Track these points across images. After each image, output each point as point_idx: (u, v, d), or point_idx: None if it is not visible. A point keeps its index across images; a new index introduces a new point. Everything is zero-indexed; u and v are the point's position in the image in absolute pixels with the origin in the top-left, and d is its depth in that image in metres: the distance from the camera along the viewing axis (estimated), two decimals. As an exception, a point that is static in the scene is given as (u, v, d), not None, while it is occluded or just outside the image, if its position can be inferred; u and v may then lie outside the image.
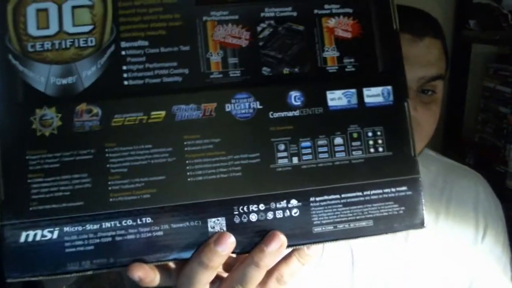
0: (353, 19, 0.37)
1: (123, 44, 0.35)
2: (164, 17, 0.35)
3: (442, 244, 0.63)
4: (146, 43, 0.35)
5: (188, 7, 0.35)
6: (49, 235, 0.33)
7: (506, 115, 1.24)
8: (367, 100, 0.36)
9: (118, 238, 0.33)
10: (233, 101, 0.35)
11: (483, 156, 1.32)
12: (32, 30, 0.34)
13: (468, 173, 0.70)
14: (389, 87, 0.37)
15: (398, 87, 0.37)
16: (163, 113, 0.34)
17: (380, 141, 0.36)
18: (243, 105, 0.35)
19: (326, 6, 0.37)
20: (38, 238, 0.33)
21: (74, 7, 0.35)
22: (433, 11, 1.46)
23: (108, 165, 0.34)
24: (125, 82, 0.34)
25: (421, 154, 0.69)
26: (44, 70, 0.34)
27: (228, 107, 0.35)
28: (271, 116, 0.35)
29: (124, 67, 0.34)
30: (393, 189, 0.36)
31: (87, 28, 0.35)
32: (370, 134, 0.36)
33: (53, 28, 0.35)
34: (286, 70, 0.36)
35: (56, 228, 0.33)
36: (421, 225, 0.36)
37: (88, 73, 0.34)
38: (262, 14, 0.36)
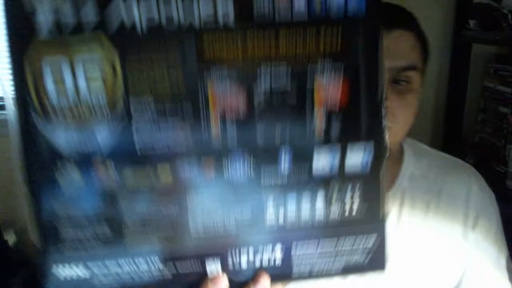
0: (343, 77, 0.39)
1: (132, 100, 0.38)
2: (167, 73, 0.38)
3: (432, 236, 0.64)
4: (152, 100, 0.38)
5: (191, 63, 0.38)
6: (83, 275, 0.42)
7: (506, 115, 1.24)
8: (347, 166, 0.41)
9: (136, 278, 0.42)
10: (230, 165, 0.40)
11: (483, 156, 1.32)
12: (50, 86, 0.37)
13: (461, 166, 0.71)
14: (368, 157, 0.41)
15: (376, 157, 0.41)
16: (170, 177, 0.40)
17: (354, 206, 0.42)
18: (238, 170, 0.40)
19: (319, 60, 0.39)
20: (74, 277, 0.44)
21: (85, 62, 0.37)
22: (433, 11, 1.47)
23: (124, 219, 0.40)
24: (138, 152, 0.39)
25: (415, 147, 0.71)
26: (62, 129, 0.38)
27: (226, 171, 0.40)
28: (262, 180, 0.40)
29: (134, 128, 0.38)
30: (361, 245, 0.43)
31: (98, 84, 0.37)
32: (347, 198, 0.42)
33: (68, 83, 0.37)
34: (278, 140, 0.40)
35: (88, 270, 0.42)
36: (382, 269, 0.44)
37: (103, 134, 0.38)
38: (258, 72, 0.39)
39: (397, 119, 0.59)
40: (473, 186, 0.67)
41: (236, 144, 0.40)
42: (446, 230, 0.65)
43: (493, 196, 0.69)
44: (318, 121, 0.40)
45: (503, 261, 0.66)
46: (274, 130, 0.40)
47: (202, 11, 0.37)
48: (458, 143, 1.40)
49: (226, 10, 0.37)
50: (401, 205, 0.65)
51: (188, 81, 0.38)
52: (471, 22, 1.28)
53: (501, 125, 1.26)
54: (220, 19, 0.37)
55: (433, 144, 1.57)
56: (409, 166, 0.68)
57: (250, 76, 0.38)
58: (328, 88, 0.39)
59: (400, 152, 0.69)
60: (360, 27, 0.39)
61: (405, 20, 0.61)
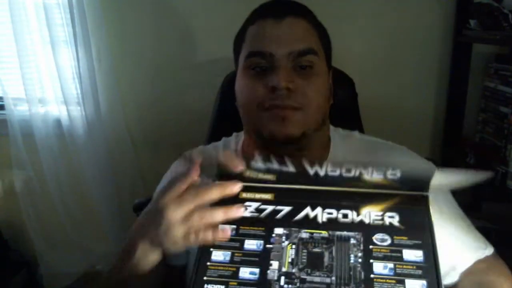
0: None
1: None
2: None
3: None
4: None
5: None
6: None
7: (506, 115, 1.24)
8: None
9: None
10: None
11: (484, 156, 1.32)
12: None
13: (393, 148, 0.73)
14: None
15: None
16: None
17: None
18: None
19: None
20: None
21: None
22: (434, 11, 1.46)
23: None
24: None
25: (347, 135, 0.75)
26: None
27: None
28: None
29: None
30: None
31: None
32: None
33: None
34: None
35: None
36: None
37: None
38: None
39: (307, 99, 0.63)
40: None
41: None
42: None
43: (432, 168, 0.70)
44: None
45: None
46: None
47: None
48: (459, 143, 1.40)
49: None
50: None
51: None
52: (472, 22, 1.28)
53: (501, 125, 1.26)
54: None
55: (434, 144, 1.57)
56: (337, 148, 0.73)
57: None
58: None
59: (328, 139, 0.74)
60: None
61: (294, 9, 0.65)
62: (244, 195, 0.56)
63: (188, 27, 1.45)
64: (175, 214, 0.51)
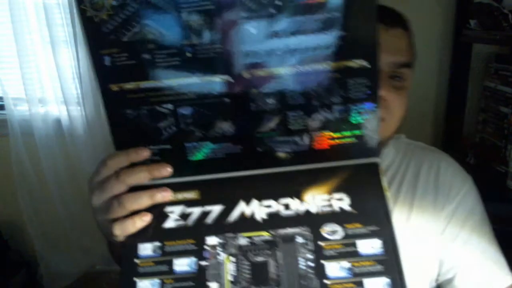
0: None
1: None
2: None
3: (404, 218, 0.66)
4: None
5: None
6: None
7: (506, 115, 1.24)
8: None
9: None
10: None
11: (484, 156, 1.32)
12: None
13: (433, 152, 0.74)
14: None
15: None
16: None
17: None
18: None
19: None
20: None
21: None
22: (434, 11, 1.46)
23: None
24: None
25: (394, 139, 0.73)
26: None
27: None
28: None
29: None
30: None
31: None
32: None
33: None
34: None
35: None
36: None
37: None
38: None
39: (393, 112, 0.62)
40: (441, 170, 0.70)
41: None
42: (418, 215, 0.67)
43: (467, 179, 0.70)
44: None
45: (486, 243, 0.66)
46: None
47: None
48: (459, 143, 1.40)
49: None
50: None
51: None
52: (472, 22, 1.28)
53: (501, 125, 1.26)
54: None
55: (434, 144, 1.56)
56: (389, 153, 0.72)
57: None
58: None
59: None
60: None
61: (403, 21, 0.66)
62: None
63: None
64: (95, 200, 0.47)
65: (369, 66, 0.45)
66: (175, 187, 0.48)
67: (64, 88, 1.47)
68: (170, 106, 0.46)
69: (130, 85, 0.45)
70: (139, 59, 0.44)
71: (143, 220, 0.46)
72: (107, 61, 0.44)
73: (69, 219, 1.63)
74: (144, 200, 0.46)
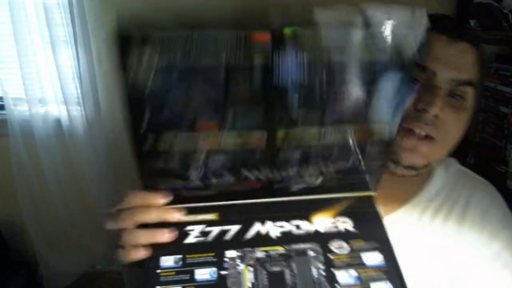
0: None
1: None
2: None
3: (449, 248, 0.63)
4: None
5: None
6: None
7: (506, 115, 1.24)
8: None
9: None
10: None
11: (484, 156, 1.32)
12: None
13: (485, 186, 0.69)
14: None
15: None
16: None
17: None
18: None
19: None
20: None
21: None
22: (433, 11, 1.46)
23: None
24: None
25: (445, 162, 0.68)
26: None
27: None
28: None
29: None
30: None
31: None
32: None
33: None
34: None
35: None
36: None
37: None
38: None
39: (446, 133, 0.58)
40: (491, 209, 0.65)
41: None
42: (459, 248, 0.63)
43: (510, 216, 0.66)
44: None
45: None
46: None
47: None
48: (459, 143, 1.40)
49: None
50: (423, 214, 0.64)
51: None
52: (472, 22, 1.28)
53: (501, 125, 1.26)
54: None
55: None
56: (438, 176, 0.67)
57: None
58: None
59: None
60: None
61: (469, 34, 0.62)
62: (185, 218, 0.51)
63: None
64: (110, 226, 0.52)
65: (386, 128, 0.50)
66: (196, 210, 0.52)
67: (64, 88, 1.47)
68: (203, 155, 0.49)
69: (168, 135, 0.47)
70: (179, 117, 0.46)
71: (141, 253, 0.49)
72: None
73: (69, 219, 1.63)
74: (145, 238, 0.49)
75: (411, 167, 0.61)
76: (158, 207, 0.50)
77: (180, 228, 0.50)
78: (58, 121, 1.53)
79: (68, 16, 1.40)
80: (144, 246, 0.49)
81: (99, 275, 1.69)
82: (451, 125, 0.58)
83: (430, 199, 0.66)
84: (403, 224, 0.64)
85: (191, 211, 0.52)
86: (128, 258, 0.49)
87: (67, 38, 1.43)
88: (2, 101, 1.53)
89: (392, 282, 0.47)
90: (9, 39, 1.44)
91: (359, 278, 0.47)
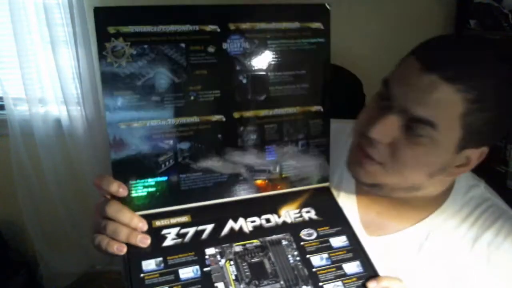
0: None
1: None
2: None
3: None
4: None
5: None
6: None
7: (506, 115, 1.24)
8: None
9: None
10: None
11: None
12: None
13: (504, 214, 0.62)
14: None
15: None
16: None
17: None
18: None
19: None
20: None
21: None
22: (433, 11, 1.46)
23: None
24: None
25: (472, 186, 0.64)
26: None
27: None
28: None
29: None
30: None
31: None
32: None
33: None
34: None
35: None
36: None
37: None
38: None
39: (399, 161, 0.54)
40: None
41: None
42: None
43: None
44: None
45: None
46: None
47: None
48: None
49: None
50: (426, 239, 0.62)
51: None
52: (472, 22, 1.28)
53: (501, 125, 1.26)
54: None
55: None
56: (455, 202, 0.63)
57: None
58: None
59: (447, 189, 0.63)
60: None
61: (453, 67, 0.51)
62: (158, 223, 0.52)
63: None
64: (91, 219, 0.53)
65: (322, 110, 0.60)
66: (168, 215, 0.54)
67: (64, 88, 1.47)
68: (171, 142, 0.53)
69: (137, 123, 0.51)
70: (149, 101, 0.51)
71: (119, 250, 0.50)
72: (119, 101, 0.50)
73: (69, 219, 1.63)
74: (122, 235, 0.50)
75: (364, 184, 0.59)
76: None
77: (156, 232, 0.52)
78: (58, 121, 1.53)
79: (68, 16, 1.40)
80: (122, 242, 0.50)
81: (99, 275, 1.69)
82: (406, 158, 0.54)
83: (439, 224, 0.63)
84: (397, 247, 0.63)
85: (163, 215, 0.53)
86: (105, 248, 0.50)
87: (67, 38, 1.43)
88: (2, 101, 1.53)
89: (358, 259, 0.53)
90: (9, 39, 1.44)
91: (330, 259, 0.53)
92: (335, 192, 0.65)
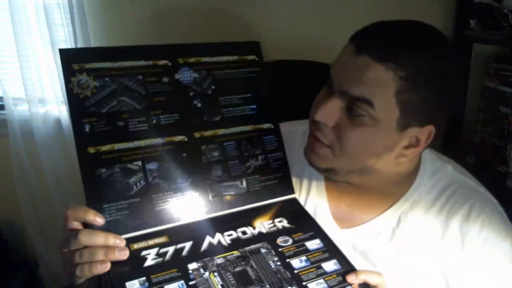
0: None
1: None
2: None
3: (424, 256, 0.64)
4: None
5: None
6: None
7: (506, 115, 1.24)
8: None
9: None
10: None
11: (484, 156, 1.32)
12: None
13: (483, 201, 0.65)
14: None
15: None
16: None
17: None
18: None
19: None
20: None
21: None
22: (433, 11, 1.47)
23: None
24: None
25: (438, 169, 0.66)
26: None
27: None
28: None
29: None
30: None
31: None
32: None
33: None
34: None
35: None
36: None
37: None
38: None
39: (343, 142, 0.58)
40: (472, 213, 0.63)
41: None
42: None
43: (503, 230, 0.63)
44: None
45: None
46: None
47: None
48: (458, 143, 1.40)
49: None
50: (397, 225, 0.65)
51: None
52: (472, 22, 1.28)
53: (501, 125, 1.26)
54: None
55: (433, 144, 1.56)
56: (420, 187, 0.65)
57: None
58: None
59: (411, 174, 0.66)
60: None
61: (382, 49, 0.55)
62: (136, 246, 0.54)
63: (189, 27, 1.45)
64: (62, 245, 0.56)
65: (273, 127, 0.67)
66: (145, 237, 0.55)
67: (64, 88, 1.47)
68: (139, 163, 0.57)
69: (106, 147, 0.56)
70: (115, 126, 0.56)
71: (103, 268, 0.51)
72: (87, 128, 0.55)
73: (69, 219, 1.62)
74: (99, 255, 0.51)
75: (320, 170, 0.64)
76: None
77: (136, 254, 0.53)
78: (58, 121, 1.53)
79: (68, 16, 1.40)
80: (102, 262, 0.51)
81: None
82: (350, 139, 0.58)
83: (407, 209, 0.65)
84: (370, 235, 0.66)
85: (140, 238, 0.55)
86: (89, 273, 0.51)
87: (67, 38, 1.43)
88: (2, 101, 1.53)
89: (335, 258, 0.57)
90: (9, 39, 1.44)
91: (309, 260, 0.56)
92: (306, 190, 0.70)
